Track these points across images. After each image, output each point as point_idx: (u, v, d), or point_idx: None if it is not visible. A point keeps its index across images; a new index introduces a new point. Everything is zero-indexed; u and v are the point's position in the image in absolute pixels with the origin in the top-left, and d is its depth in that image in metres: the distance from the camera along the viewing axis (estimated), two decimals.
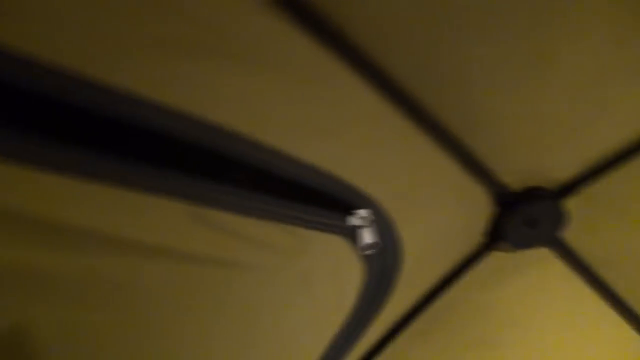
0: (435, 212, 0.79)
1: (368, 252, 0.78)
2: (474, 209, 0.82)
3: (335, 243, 0.75)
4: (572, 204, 0.82)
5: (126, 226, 0.56)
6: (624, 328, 0.93)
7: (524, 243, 0.85)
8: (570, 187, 0.80)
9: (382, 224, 0.76)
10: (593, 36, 0.60)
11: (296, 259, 0.72)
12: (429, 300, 0.90)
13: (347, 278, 0.77)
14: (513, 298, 0.92)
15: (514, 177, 0.79)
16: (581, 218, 0.83)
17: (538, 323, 0.95)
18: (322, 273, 0.74)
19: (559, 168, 0.79)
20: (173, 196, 0.56)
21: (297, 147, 0.62)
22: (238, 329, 0.77)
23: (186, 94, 0.52)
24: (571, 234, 0.85)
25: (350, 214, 0.72)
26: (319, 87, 0.59)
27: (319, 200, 0.70)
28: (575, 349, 0.96)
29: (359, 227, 0.74)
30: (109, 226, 0.55)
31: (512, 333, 0.95)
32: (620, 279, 0.89)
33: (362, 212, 0.73)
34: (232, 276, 0.69)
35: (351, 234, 0.74)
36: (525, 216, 0.81)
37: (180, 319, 0.69)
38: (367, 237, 0.76)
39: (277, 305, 0.77)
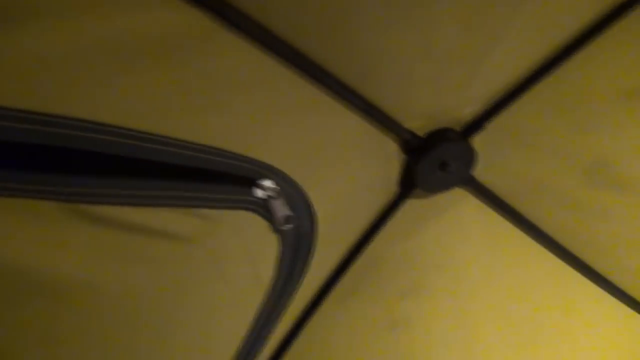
0: (343, 169, 0.80)
1: (284, 226, 0.78)
2: (383, 160, 0.83)
3: (243, 219, 0.74)
4: (480, 141, 0.84)
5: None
6: (546, 255, 0.98)
7: (437, 186, 0.87)
8: (476, 125, 0.82)
9: (290, 190, 0.75)
10: None
11: (203, 242, 0.71)
12: (353, 257, 0.92)
13: (261, 252, 0.77)
14: (436, 242, 0.95)
15: (419, 122, 0.80)
16: (490, 154, 0.86)
17: (464, 264, 0.98)
18: (233, 252, 0.74)
19: (461, 106, 0.80)
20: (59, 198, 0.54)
21: (185, 129, 0.60)
22: (157, 322, 0.76)
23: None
24: (482, 171, 0.88)
25: (254, 186, 0.71)
26: (197, 56, 0.56)
27: (222, 180, 0.69)
28: (502, 282, 1.01)
29: (268, 199, 0.73)
30: None
31: (441, 277, 0.99)
32: (535, 209, 0.94)
33: (266, 183, 0.72)
34: (141, 270, 0.67)
35: (259, 207, 0.74)
36: (435, 160, 0.82)
37: (99, 320, 0.67)
38: (279, 209, 0.75)
39: (192, 291, 0.76)
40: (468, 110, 0.81)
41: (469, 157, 0.84)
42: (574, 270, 1.00)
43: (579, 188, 0.89)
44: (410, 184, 0.86)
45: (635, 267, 1.00)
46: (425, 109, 0.79)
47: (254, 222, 0.75)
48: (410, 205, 0.89)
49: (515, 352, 1.07)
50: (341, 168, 0.80)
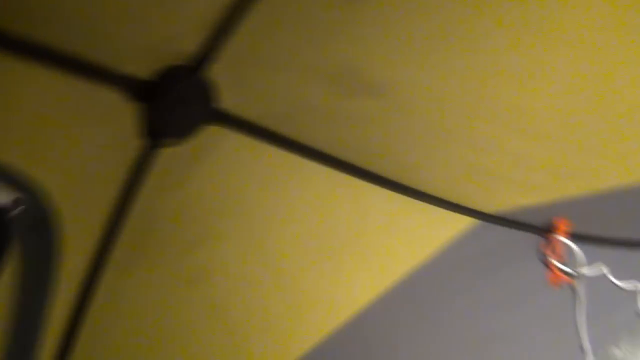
0: (68, 135, 0.72)
1: (11, 212, 0.70)
2: (117, 116, 0.76)
3: None
4: (218, 71, 0.80)
5: None
6: (323, 171, 0.98)
7: (185, 129, 0.82)
8: (206, 56, 0.77)
9: (7, 175, 0.67)
10: None
11: None
12: (119, 222, 0.85)
13: None
14: (209, 187, 0.92)
15: (141, 66, 0.74)
16: (234, 82, 0.83)
17: (246, 201, 0.96)
18: None
19: (183, 39, 0.75)
20: None
21: None
22: None
23: None
24: (231, 102, 0.84)
25: None
26: None
27: None
28: (291, 208, 1.00)
29: None
30: None
31: (226, 220, 0.96)
32: (298, 128, 0.92)
33: None
34: None
35: None
36: (171, 102, 0.78)
37: None
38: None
39: None
40: (193, 41, 0.76)
41: (207, 91, 0.80)
42: (355, 179, 1.01)
43: (332, 99, 0.88)
44: (156, 133, 0.80)
45: (411, 162, 1.03)
46: (142, 50, 0.73)
47: None
48: (167, 155, 0.84)
49: (327, 271, 1.09)
50: (65, 134, 0.72)
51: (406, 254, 1.16)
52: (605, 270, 1.32)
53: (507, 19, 0.77)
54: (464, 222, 1.20)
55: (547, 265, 1.30)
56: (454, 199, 1.15)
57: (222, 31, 0.75)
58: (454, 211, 1.16)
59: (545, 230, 1.28)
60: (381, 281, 1.13)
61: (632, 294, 1.37)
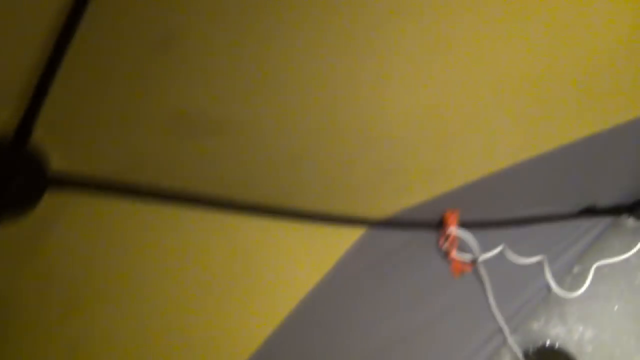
0: None
1: None
2: None
3: None
4: (42, 136, 0.76)
5: None
6: (187, 214, 0.96)
7: (21, 202, 0.79)
8: (26, 122, 0.74)
9: None
10: None
11: None
12: None
13: None
14: (67, 255, 0.88)
15: None
16: (64, 144, 0.79)
17: (114, 261, 0.92)
18: None
19: None
20: None
21: None
22: None
23: None
24: (67, 164, 0.81)
25: None
26: None
27: None
28: (159, 260, 0.97)
29: None
30: None
31: (99, 285, 0.92)
32: (155, 176, 0.89)
33: None
34: None
35: None
36: None
37: None
38: None
39: None
40: (7, 113, 0.72)
41: (35, 158, 0.77)
42: (227, 214, 0.99)
43: (179, 142, 0.87)
44: None
45: (280, 186, 1.02)
46: None
47: None
48: (10, 232, 0.79)
49: (214, 319, 1.05)
50: None
51: (302, 278, 1.14)
52: (505, 250, 1.35)
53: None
54: (356, 234, 1.20)
55: (448, 257, 1.31)
56: (339, 212, 1.14)
57: (37, 96, 0.72)
58: (342, 224, 1.16)
59: (438, 225, 1.29)
60: (278, 312, 1.10)
61: (539, 267, 1.40)
